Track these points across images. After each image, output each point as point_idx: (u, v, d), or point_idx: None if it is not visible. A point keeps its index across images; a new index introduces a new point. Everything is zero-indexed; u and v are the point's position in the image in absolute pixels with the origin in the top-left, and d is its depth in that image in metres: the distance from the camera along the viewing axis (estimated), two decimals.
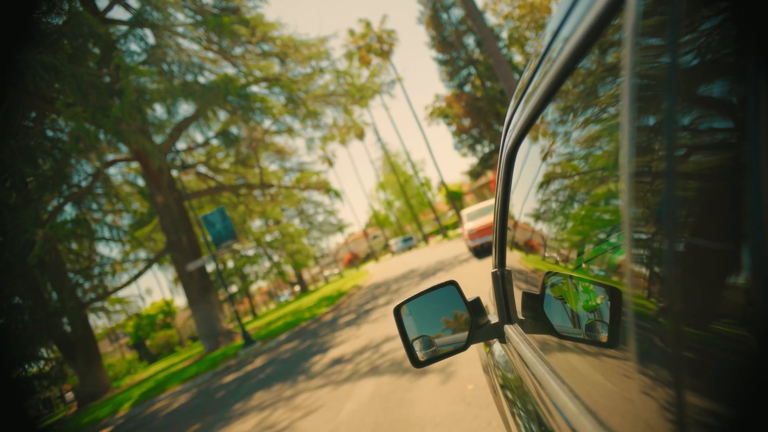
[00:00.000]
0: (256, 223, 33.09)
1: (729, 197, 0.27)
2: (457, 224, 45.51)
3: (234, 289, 40.05)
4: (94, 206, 21.54)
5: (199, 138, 19.83)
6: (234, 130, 19.28)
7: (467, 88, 32.86)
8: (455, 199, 43.03)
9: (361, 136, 49.33)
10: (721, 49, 0.28)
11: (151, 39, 15.71)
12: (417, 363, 1.10)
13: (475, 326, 1.10)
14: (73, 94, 10.09)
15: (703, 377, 0.31)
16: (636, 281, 0.39)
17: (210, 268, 34.66)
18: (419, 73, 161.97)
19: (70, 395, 29.37)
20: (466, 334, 1.08)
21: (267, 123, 19.76)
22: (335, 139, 30.72)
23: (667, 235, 0.33)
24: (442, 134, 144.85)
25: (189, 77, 15.24)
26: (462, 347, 1.07)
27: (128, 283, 17.99)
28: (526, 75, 0.78)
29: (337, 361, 6.72)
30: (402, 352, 5.57)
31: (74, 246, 18.19)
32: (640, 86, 0.37)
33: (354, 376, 5.53)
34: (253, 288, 62.34)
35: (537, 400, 0.78)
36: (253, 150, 21.26)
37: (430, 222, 60.46)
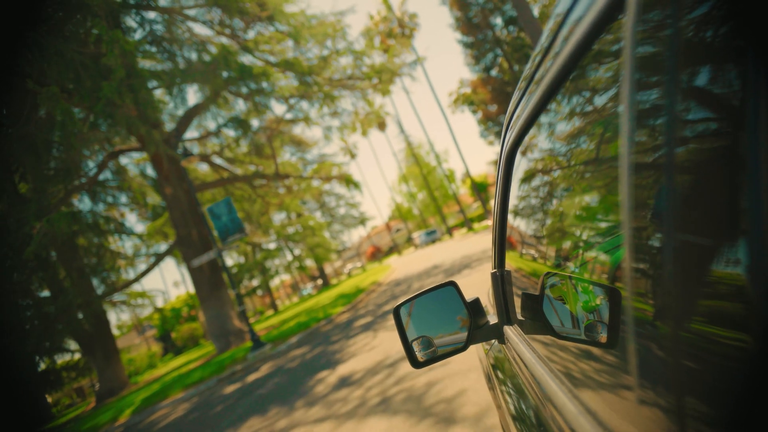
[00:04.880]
0: (278, 217, 32.34)
1: (729, 198, 0.27)
2: (483, 216, 43.86)
3: (255, 282, 39.50)
4: (110, 199, 21.08)
5: (212, 126, 18.94)
6: (244, 116, 18.27)
7: (494, 72, 31.04)
8: (480, 190, 41.33)
9: (382, 126, 48.07)
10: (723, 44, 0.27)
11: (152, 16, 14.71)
12: (416, 363, 1.09)
13: (475, 327, 1.09)
14: (61, 73, 9.18)
15: (702, 377, 0.30)
16: (635, 282, 0.39)
17: (228, 261, 33.83)
18: (443, 59, 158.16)
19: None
20: (465, 334, 1.07)
21: (281, 110, 18.75)
22: (355, 129, 29.56)
23: (667, 236, 0.33)
24: (467, 122, 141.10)
25: (194, 57, 14.20)
26: (461, 348, 1.06)
27: (137, 278, 17.33)
28: (528, 70, 0.76)
29: (344, 382, 5.55)
30: (423, 382, 4.35)
31: (94, 240, 17.69)
32: (641, 84, 0.36)
33: (360, 408, 4.34)
34: (277, 281, 62.23)
35: (536, 400, 0.77)
36: (267, 139, 20.25)
37: (454, 214, 58.82)
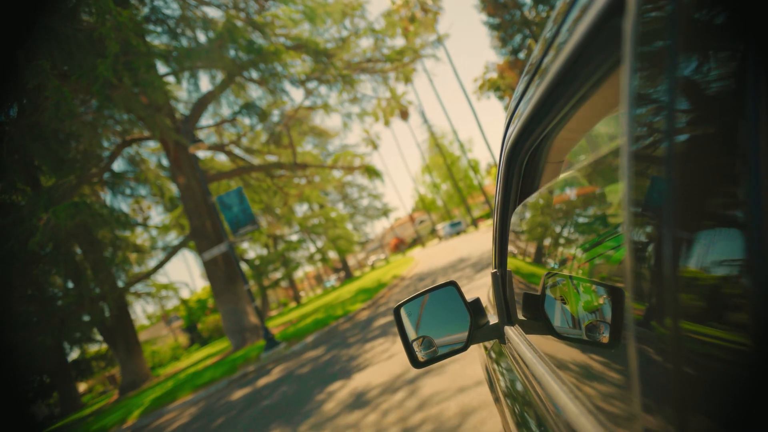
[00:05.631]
0: (301, 209, 31.73)
1: (729, 198, 0.27)
2: None
3: (278, 275, 39.13)
4: (128, 191, 20.79)
5: (227, 113, 18.24)
6: (265, 108, 17.49)
7: (522, 55, 29.42)
8: None
9: (404, 115, 46.91)
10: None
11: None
12: (417, 363, 1.09)
13: (475, 327, 1.09)
14: (52, 50, 8.51)
15: (703, 377, 0.30)
16: (636, 281, 0.39)
17: (250, 254, 33.31)
18: (468, 43, 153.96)
19: None
20: (465, 334, 1.07)
21: (299, 96, 17.95)
22: (377, 118, 28.47)
23: (668, 235, 0.33)
24: (494, 108, 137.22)
25: (202, 38, 13.42)
26: (461, 348, 1.07)
27: (152, 271, 16.86)
28: (530, 64, 0.75)
29: (358, 401, 4.65)
30: (454, 409, 3.40)
31: (104, 230, 17.38)
32: (643, 81, 0.36)
33: None
34: (301, 273, 61.89)
35: (537, 401, 0.77)
36: (285, 127, 19.47)
37: (479, 205, 57.27)
